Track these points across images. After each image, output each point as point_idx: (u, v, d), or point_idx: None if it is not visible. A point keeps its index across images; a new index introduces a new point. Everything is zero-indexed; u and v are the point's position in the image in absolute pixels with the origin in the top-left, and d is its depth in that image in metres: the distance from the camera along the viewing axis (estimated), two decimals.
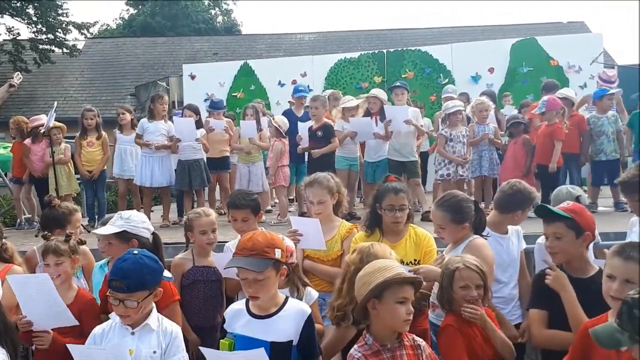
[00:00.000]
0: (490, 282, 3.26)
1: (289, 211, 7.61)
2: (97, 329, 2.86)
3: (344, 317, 2.86)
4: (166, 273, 3.09)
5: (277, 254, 2.65)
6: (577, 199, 3.60)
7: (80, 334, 3.19)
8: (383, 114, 7.04)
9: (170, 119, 7.88)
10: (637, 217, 3.80)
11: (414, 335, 2.70)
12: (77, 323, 3.23)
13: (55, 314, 3.20)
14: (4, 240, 3.86)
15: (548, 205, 3.23)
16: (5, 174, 9.23)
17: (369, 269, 2.65)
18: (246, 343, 2.54)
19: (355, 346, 2.60)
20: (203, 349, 2.51)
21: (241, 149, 7.65)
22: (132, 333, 2.73)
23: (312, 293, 3.13)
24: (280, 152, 7.27)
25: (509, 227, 3.79)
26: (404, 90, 7.29)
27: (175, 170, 7.45)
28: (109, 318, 2.93)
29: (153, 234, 3.66)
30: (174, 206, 8.17)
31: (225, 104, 9.49)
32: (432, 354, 2.69)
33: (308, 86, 12.14)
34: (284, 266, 2.76)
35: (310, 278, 3.82)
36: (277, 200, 8.25)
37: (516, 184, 3.81)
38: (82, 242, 3.80)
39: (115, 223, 3.53)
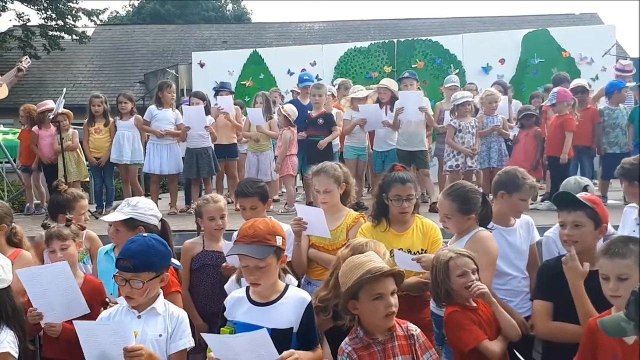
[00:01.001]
0: (491, 274, 3.25)
1: (297, 200, 7.62)
2: (104, 313, 2.91)
3: (324, 309, 2.87)
4: (175, 261, 3.09)
5: (278, 241, 2.66)
6: (585, 188, 3.55)
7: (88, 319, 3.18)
8: (394, 104, 6.99)
9: (178, 107, 7.88)
10: (629, 207, 3.73)
11: (408, 324, 2.68)
12: (89, 311, 3.21)
13: (70, 305, 3.16)
14: (13, 224, 3.87)
15: (571, 193, 3.18)
16: (14, 160, 9.26)
17: (345, 267, 2.63)
18: (247, 330, 2.53)
19: (346, 339, 2.60)
20: (204, 335, 2.52)
21: (250, 136, 7.68)
22: (138, 317, 2.75)
23: (293, 281, 3.12)
24: (289, 140, 7.26)
25: (518, 219, 3.71)
26: (412, 81, 7.26)
27: (184, 158, 7.46)
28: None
29: (162, 220, 3.66)
30: (181, 194, 8.19)
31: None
32: (427, 342, 2.67)
33: (317, 75, 12.10)
34: (285, 254, 2.76)
35: (314, 266, 3.85)
36: (284, 189, 8.26)
37: (509, 168, 3.77)
38: (82, 228, 3.79)
39: (123, 210, 3.54)
